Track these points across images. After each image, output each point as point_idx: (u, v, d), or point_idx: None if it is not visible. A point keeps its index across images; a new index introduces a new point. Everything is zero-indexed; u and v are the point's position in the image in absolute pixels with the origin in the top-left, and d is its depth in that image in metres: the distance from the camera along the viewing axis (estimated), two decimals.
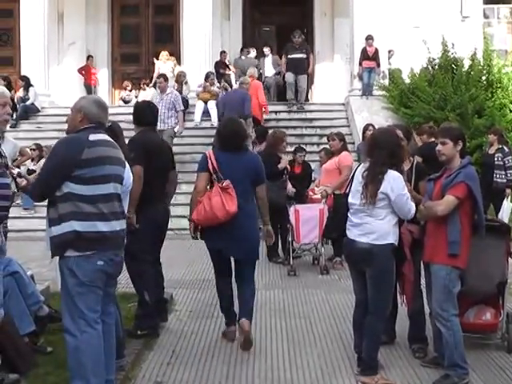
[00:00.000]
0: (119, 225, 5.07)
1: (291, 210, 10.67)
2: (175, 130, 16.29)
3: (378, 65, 18.99)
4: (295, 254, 10.85)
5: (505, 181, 12.50)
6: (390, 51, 19.91)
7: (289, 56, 19.29)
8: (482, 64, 17.85)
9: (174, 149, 15.82)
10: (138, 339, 6.81)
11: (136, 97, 20.85)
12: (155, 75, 21.19)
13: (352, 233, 5.97)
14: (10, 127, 17.15)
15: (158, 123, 9.57)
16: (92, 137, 4.95)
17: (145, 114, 7.52)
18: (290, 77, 19.34)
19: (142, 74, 23.08)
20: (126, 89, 22.20)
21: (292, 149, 13.07)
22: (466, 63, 17.81)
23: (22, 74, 20.21)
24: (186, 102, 18.80)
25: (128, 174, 5.72)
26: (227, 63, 21.14)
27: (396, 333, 6.85)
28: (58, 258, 4.97)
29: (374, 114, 18.01)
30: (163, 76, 17.09)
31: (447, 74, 17.50)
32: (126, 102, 21.53)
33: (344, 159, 10.84)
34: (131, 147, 6.77)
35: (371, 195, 5.76)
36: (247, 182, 6.94)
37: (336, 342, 7.06)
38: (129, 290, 7.89)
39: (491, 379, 6.03)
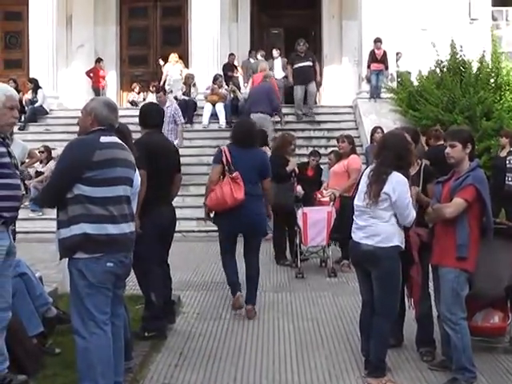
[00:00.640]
0: (128, 227, 5.08)
1: (299, 213, 10.66)
2: (175, 143, 16.31)
3: (386, 67, 18.98)
4: (303, 257, 10.84)
5: None
6: (397, 53, 19.89)
7: (295, 66, 18.92)
8: (490, 66, 17.84)
9: (182, 151, 15.92)
10: (145, 341, 6.81)
11: (144, 99, 20.87)
12: (163, 78, 21.26)
13: (357, 235, 5.99)
14: (19, 129, 17.22)
15: None
16: (103, 139, 4.97)
17: (151, 115, 7.53)
18: (298, 91, 18.86)
19: (150, 76, 23.14)
20: (133, 90, 22.22)
21: (301, 151, 13.09)
22: (475, 66, 17.79)
23: (31, 76, 20.28)
24: (194, 104, 18.86)
25: (136, 176, 5.74)
26: (235, 66, 21.14)
27: (404, 336, 6.83)
28: (66, 259, 4.99)
29: (382, 116, 18.00)
30: (163, 89, 17.11)
31: (455, 77, 17.49)
32: (134, 104, 21.57)
33: (353, 162, 10.83)
34: (137, 149, 6.79)
35: (374, 195, 5.78)
36: (255, 173, 8.11)
37: (343, 343, 7.06)
38: (136, 292, 7.90)
39: (499, 383, 6.01)
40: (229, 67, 20.74)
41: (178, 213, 13.80)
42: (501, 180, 12.25)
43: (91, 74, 22.22)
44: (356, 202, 6.03)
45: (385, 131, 12.39)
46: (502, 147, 13.19)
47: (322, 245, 10.73)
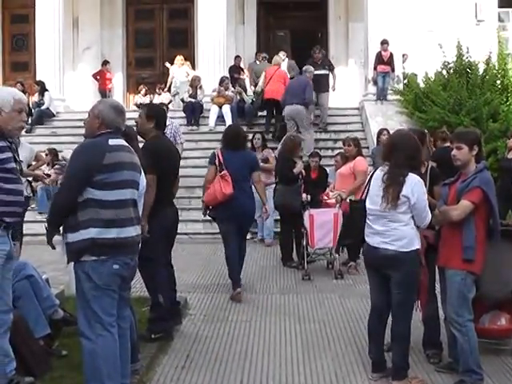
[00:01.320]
0: (135, 230, 5.10)
1: (306, 215, 10.66)
2: None
3: (393, 69, 18.94)
4: (309, 259, 10.83)
5: None
6: (403, 55, 19.84)
7: None
8: (496, 68, 17.80)
9: (189, 153, 15.96)
10: (152, 343, 6.82)
11: (151, 101, 20.88)
12: (169, 80, 21.29)
13: (374, 240, 5.91)
14: (26, 132, 17.24)
15: None
16: (111, 141, 4.99)
17: (163, 117, 7.56)
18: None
19: (157, 78, 23.15)
20: (140, 92, 22.25)
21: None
22: (481, 67, 17.75)
23: (38, 78, 20.32)
24: (200, 106, 18.87)
25: (142, 177, 5.75)
26: (241, 68, 21.15)
27: (411, 338, 6.82)
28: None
29: (388, 118, 17.98)
30: (168, 91, 17.13)
31: (462, 78, 17.45)
32: (140, 106, 21.56)
33: (359, 164, 10.81)
34: (145, 155, 6.82)
35: (393, 198, 5.72)
36: (245, 171, 9.31)
37: (350, 345, 7.05)
38: (143, 294, 7.91)
39: None
40: (235, 69, 20.75)
41: (185, 215, 13.95)
42: (508, 181, 12.16)
43: (98, 77, 22.26)
44: (370, 206, 5.96)
45: (391, 133, 12.40)
46: (508, 149, 13.09)
47: (329, 246, 10.73)
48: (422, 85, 18.41)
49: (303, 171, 11.60)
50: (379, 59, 18.81)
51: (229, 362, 6.58)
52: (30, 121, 18.47)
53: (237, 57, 21.26)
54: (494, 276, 6.18)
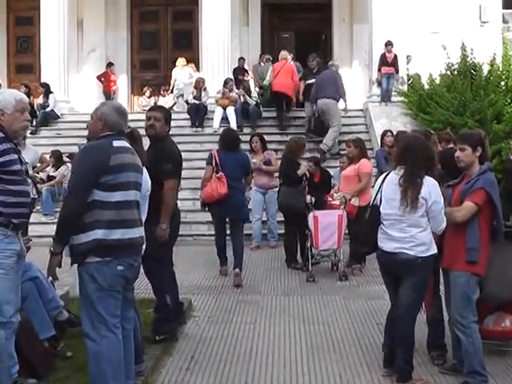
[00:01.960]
0: (138, 231, 5.12)
1: (310, 216, 10.65)
2: None
3: (397, 71, 18.93)
4: (314, 260, 10.82)
5: None
6: (407, 56, 19.84)
7: (307, 82, 18.31)
8: (501, 69, 17.78)
9: (193, 155, 15.97)
10: (156, 344, 6.82)
11: (155, 103, 20.91)
12: (172, 82, 21.36)
13: (390, 245, 5.88)
14: (30, 134, 17.27)
15: None
16: (115, 143, 5.01)
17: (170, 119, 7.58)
18: (307, 108, 18.23)
19: (161, 80, 23.15)
20: (144, 94, 22.27)
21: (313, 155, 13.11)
22: (485, 68, 17.74)
23: (42, 80, 20.33)
24: (204, 108, 18.88)
25: (146, 179, 5.77)
26: (246, 69, 21.16)
27: (415, 340, 6.81)
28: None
29: (392, 120, 17.97)
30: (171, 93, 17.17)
31: (466, 80, 17.44)
32: (153, 109, 21.52)
33: (363, 166, 10.81)
34: (165, 159, 6.87)
35: (412, 200, 5.71)
36: (239, 171, 10.33)
37: (354, 347, 7.05)
38: (147, 296, 7.92)
39: None
40: (239, 71, 20.76)
41: (189, 216, 13.98)
42: None
43: (102, 79, 22.30)
44: (386, 210, 5.92)
45: (394, 134, 12.38)
46: None
47: (333, 248, 10.73)
48: (426, 86, 18.40)
49: (307, 173, 11.59)
50: (383, 61, 18.80)
51: (233, 364, 6.59)
52: (34, 123, 18.52)
53: (241, 58, 21.28)
54: (498, 277, 6.17)
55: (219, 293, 9.62)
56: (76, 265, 5.00)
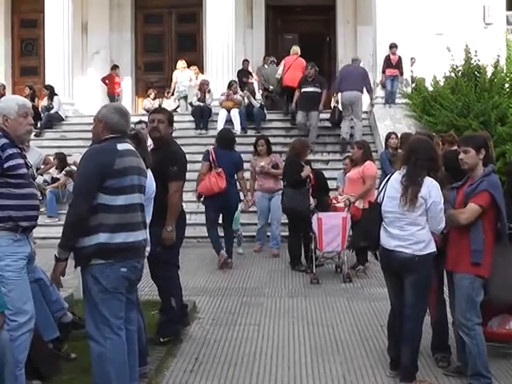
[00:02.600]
0: (142, 234, 5.14)
1: (314, 218, 10.64)
2: None
3: (401, 73, 18.92)
4: (318, 262, 10.82)
5: None
6: (411, 58, 19.83)
7: (302, 90, 17.95)
8: (505, 71, 17.76)
9: (197, 157, 15.92)
10: (161, 346, 6.82)
11: (159, 105, 20.94)
12: (173, 84, 21.42)
13: (390, 243, 5.96)
14: (35, 136, 17.30)
15: None
16: (120, 146, 5.01)
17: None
18: (300, 117, 18.03)
19: (165, 82, 23.16)
20: (149, 96, 22.30)
21: (317, 157, 13.06)
22: (489, 70, 17.71)
23: (47, 83, 20.35)
24: (209, 110, 18.89)
25: (151, 181, 5.78)
26: (250, 71, 21.18)
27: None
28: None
29: (396, 122, 17.95)
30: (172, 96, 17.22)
31: (470, 82, 17.41)
32: (148, 110, 21.60)
33: (368, 169, 10.80)
34: (173, 162, 6.89)
35: (411, 198, 5.79)
36: (232, 168, 11.51)
37: (359, 349, 7.05)
38: (151, 298, 7.94)
39: None
40: (244, 73, 20.77)
41: (193, 218, 13.96)
42: None
43: (107, 81, 22.35)
44: (387, 208, 6.00)
45: (399, 136, 12.38)
46: None
47: (337, 250, 10.72)
48: (430, 88, 18.39)
49: (311, 175, 11.58)
50: (388, 63, 18.80)
51: (237, 366, 6.59)
52: (39, 125, 18.55)
53: (245, 61, 21.28)
54: (503, 279, 6.17)
55: (223, 295, 9.62)
56: (79, 267, 5.02)
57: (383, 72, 18.93)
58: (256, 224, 13.24)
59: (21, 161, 5.12)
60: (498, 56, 17.84)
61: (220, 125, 18.43)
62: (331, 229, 10.55)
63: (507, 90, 17.46)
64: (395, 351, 6.16)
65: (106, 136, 5.08)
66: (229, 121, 18.51)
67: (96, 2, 23.37)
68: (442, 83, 18.19)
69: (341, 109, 18.17)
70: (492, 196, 5.77)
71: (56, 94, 19.76)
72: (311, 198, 11.33)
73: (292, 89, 18.59)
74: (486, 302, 5.99)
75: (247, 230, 13.62)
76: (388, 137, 13.79)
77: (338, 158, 16.14)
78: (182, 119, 19.01)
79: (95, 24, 23.36)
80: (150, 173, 5.71)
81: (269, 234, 13.25)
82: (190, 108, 19.79)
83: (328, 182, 12.69)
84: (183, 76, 21.27)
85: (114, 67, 22.63)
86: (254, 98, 19.13)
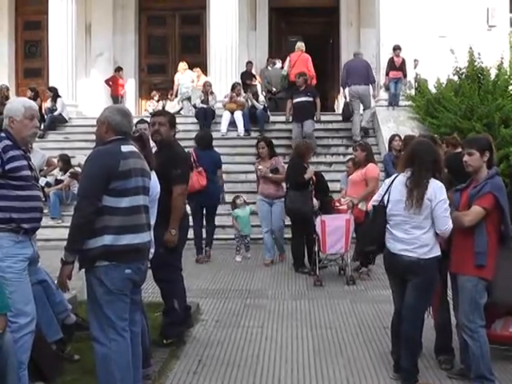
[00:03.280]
0: (146, 236, 5.14)
1: (317, 221, 10.64)
2: None
3: (405, 75, 18.91)
4: (321, 265, 10.80)
5: None
6: (415, 60, 19.82)
7: (294, 100, 17.56)
8: (508, 73, 17.73)
9: None
10: (164, 348, 6.82)
11: (163, 107, 20.95)
12: (175, 86, 21.43)
13: (395, 246, 5.95)
14: (38, 137, 17.26)
15: None
16: (124, 148, 5.01)
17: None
18: (294, 128, 17.65)
19: (169, 84, 23.16)
20: (153, 98, 22.30)
21: (320, 159, 13.03)
22: (493, 72, 17.69)
23: (50, 84, 20.39)
24: (212, 112, 18.89)
25: (155, 183, 5.78)
26: (253, 74, 21.18)
27: (422, 344, 6.80)
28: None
29: (400, 124, 17.94)
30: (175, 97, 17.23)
31: (474, 84, 17.39)
32: (163, 113, 21.52)
33: (371, 171, 10.80)
34: (176, 165, 6.90)
35: (417, 200, 5.78)
36: (212, 166, 12.27)
37: (362, 351, 7.05)
38: (155, 299, 7.94)
39: None
40: (247, 75, 20.79)
41: None
42: None
43: (110, 83, 22.35)
44: (392, 211, 5.99)
45: (402, 138, 12.37)
46: None
47: (341, 252, 10.72)
48: (433, 90, 18.37)
49: (314, 177, 11.57)
50: (391, 65, 18.78)
51: (241, 367, 6.59)
52: (42, 127, 18.56)
53: (249, 63, 21.30)
54: (506, 282, 6.17)
55: (227, 296, 9.62)
56: (84, 269, 5.02)
57: (387, 74, 18.91)
58: (259, 226, 12.98)
59: (24, 162, 5.13)
60: (502, 58, 17.80)
61: (224, 127, 18.46)
62: (334, 231, 10.55)
63: (511, 92, 17.43)
64: (398, 355, 6.16)
65: (110, 138, 5.09)
66: (232, 123, 18.53)
67: (100, 3, 23.39)
68: (445, 85, 18.17)
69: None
70: (496, 198, 5.78)
71: (59, 96, 19.78)
72: (314, 200, 11.32)
73: None
74: (489, 304, 5.98)
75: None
76: (391, 139, 13.78)
77: (342, 161, 16.13)
78: (186, 121, 19.02)
79: (99, 26, 23.37)
80: (153, 174, 5.72)
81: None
82: (193, 110, 19.81)
83: (331, 184, 12.67)
84: (184, 78, 21.28)
85: (118, 69, 22.63)
86: (258, 100, 19.11)
